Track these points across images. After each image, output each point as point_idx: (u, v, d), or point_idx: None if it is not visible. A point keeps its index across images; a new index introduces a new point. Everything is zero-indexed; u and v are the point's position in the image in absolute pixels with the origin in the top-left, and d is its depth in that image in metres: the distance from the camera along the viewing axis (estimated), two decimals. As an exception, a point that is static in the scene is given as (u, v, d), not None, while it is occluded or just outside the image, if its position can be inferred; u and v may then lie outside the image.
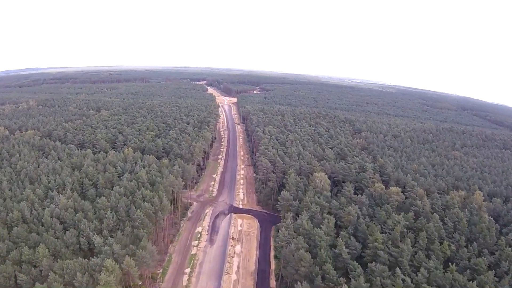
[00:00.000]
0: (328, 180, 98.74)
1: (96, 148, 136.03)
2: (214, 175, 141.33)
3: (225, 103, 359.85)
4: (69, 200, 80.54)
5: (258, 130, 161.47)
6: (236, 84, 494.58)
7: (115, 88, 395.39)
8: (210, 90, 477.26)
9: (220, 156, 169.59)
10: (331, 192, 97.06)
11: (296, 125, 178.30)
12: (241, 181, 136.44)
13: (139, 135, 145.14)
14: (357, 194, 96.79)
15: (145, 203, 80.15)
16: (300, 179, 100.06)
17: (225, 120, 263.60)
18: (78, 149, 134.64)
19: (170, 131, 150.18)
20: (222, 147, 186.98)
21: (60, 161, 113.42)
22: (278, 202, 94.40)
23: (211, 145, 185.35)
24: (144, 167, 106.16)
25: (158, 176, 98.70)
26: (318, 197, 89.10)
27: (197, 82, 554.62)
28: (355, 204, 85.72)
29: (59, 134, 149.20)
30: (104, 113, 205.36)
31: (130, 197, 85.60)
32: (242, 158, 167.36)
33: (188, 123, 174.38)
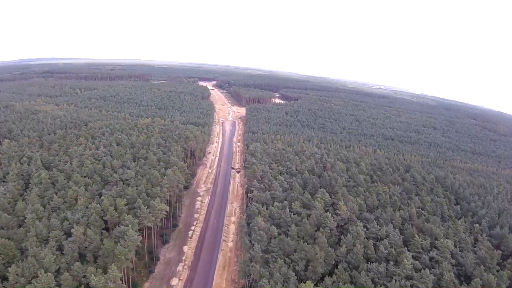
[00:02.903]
0: None
1: None
2: None
3: (229, 116, 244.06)
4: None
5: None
6: (250, 88, 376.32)
7: (93, 88, 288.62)
8: (217, 93, 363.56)
9: None
10: None
11: (379, 245, 60.25)
12: None
13: None
14: None
15: None
16: None
17: (217, 157, 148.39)
18: None
19: None
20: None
21: None
22: None
23: (153, 266, 71.62)
24: None
25: None
26: None
27: (205, 83, 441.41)
28: None
29: None
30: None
31: None
32: None
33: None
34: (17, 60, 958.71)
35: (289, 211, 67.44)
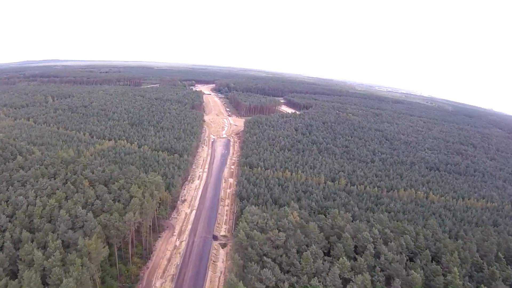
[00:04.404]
0: None
1: None
2: None
3: (223, 132, 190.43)
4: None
5: None
6: (252, 93, 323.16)
7: (68, 95, 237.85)
8: (213, 99, 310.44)
9: None
10: None
11: None
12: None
13: None
14: None
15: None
16: None
17: (194, 210, 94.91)
18: None
19: None
20: None
21: None
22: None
23: None
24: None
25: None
26: None
27: (202, 86, 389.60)
28: None
29: None
30: None
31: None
32: None
33: None
34: (19, 62, 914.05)
35: None
